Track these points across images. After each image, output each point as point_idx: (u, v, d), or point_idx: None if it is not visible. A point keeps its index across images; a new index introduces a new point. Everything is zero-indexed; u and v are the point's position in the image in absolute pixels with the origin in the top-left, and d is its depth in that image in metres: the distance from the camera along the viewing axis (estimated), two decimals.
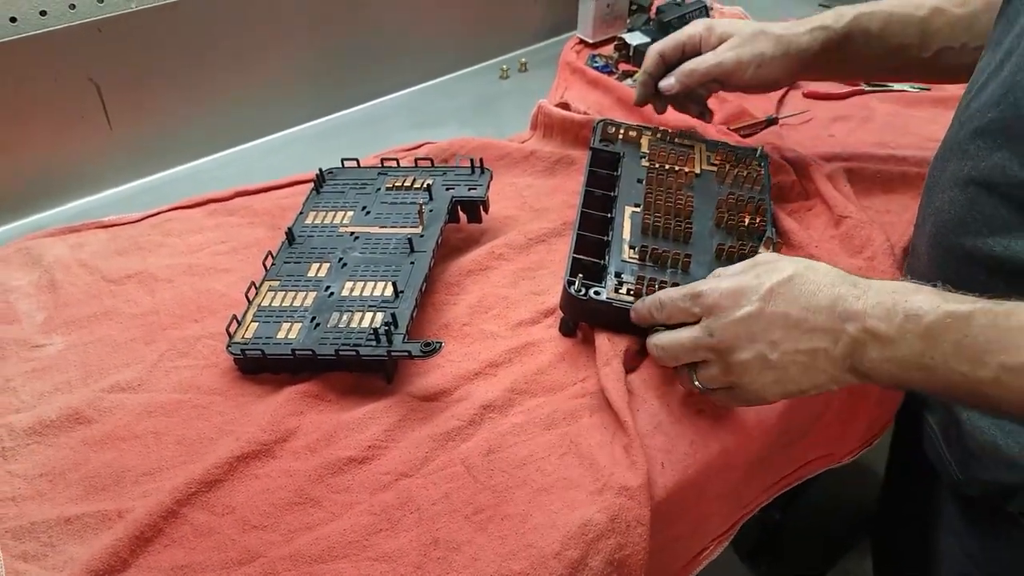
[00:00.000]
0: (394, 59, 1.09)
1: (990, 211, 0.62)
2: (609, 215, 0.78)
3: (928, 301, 0.52)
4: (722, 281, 0.60)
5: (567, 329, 0.73)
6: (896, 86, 1.11)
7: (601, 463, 0.61)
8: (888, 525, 0.87)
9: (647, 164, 0.84)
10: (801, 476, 0.72)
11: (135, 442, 0.64)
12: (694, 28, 0.83)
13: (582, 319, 0.72)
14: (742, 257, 0.72)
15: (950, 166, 0.67)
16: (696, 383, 0.61)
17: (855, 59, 0.82)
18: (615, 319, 0.68)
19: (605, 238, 0.75)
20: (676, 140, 0.87)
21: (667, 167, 0.84)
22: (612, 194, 0.81)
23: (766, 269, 0.59)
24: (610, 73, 1.14)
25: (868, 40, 0.80)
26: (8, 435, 0.64)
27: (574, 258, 0.72)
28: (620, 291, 0.69)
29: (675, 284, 0.66)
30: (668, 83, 0.84)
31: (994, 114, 0.62)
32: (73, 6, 0.83)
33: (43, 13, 0.82)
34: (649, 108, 0.92)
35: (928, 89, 1.11)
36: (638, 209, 0.78)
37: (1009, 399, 0.50)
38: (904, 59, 0.81)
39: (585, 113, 0.99)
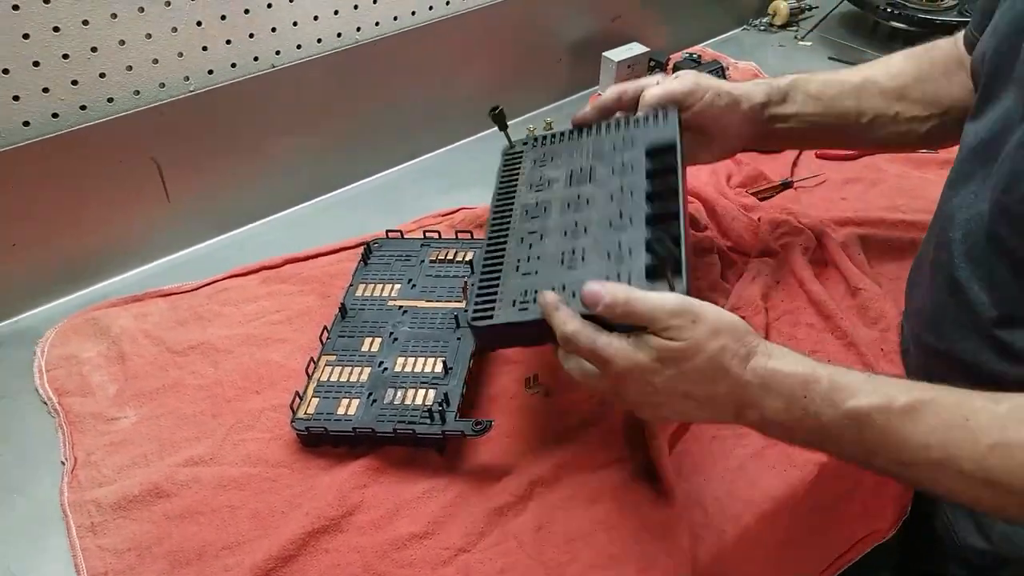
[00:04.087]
0: (425, 122, 1.15)
1: (963, 319, 0.68)
2: None
3: (827, 400, 0.55)
4: (629, 355, 0.57)
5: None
6: None
7: (646, 540, 0.66)
8: None
9: None
10: (852, 557, 0.77)
11: (212, 516, 0.70)
12: (653, 76, 0.83)
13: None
14: None
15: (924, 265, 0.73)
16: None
17: (797, 119, 0.83)
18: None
19: None
20: None
21: None
22: None
23: (671, 355, 0.57)
24: None
25: (806, 100, 0.83)
26: (96, 510, 0.70)
27: None
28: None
29: None
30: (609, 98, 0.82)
31: (957, 235, 0.69)
32: (138, 92, 0.89)
33: (110, 100, 0.88)
34: None
35: (935, 151, 1.16)
36: None
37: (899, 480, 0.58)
38: (843, 125, 0.84)
39: None
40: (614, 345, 0.58)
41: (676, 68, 1.28)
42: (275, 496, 0.71)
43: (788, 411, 0.56)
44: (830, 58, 1.41)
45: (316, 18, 0.99)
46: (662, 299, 0.57)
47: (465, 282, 0.85)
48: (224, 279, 0.94)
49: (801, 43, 1.47)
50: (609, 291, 0.58)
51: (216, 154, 0.96)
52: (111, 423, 0.78)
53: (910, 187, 1.10)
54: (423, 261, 0.90)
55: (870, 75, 0.84)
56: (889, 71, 0.84)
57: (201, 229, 1.00)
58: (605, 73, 1.25)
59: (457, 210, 1.03)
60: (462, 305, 0.84)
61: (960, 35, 0.83)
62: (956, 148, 1.13)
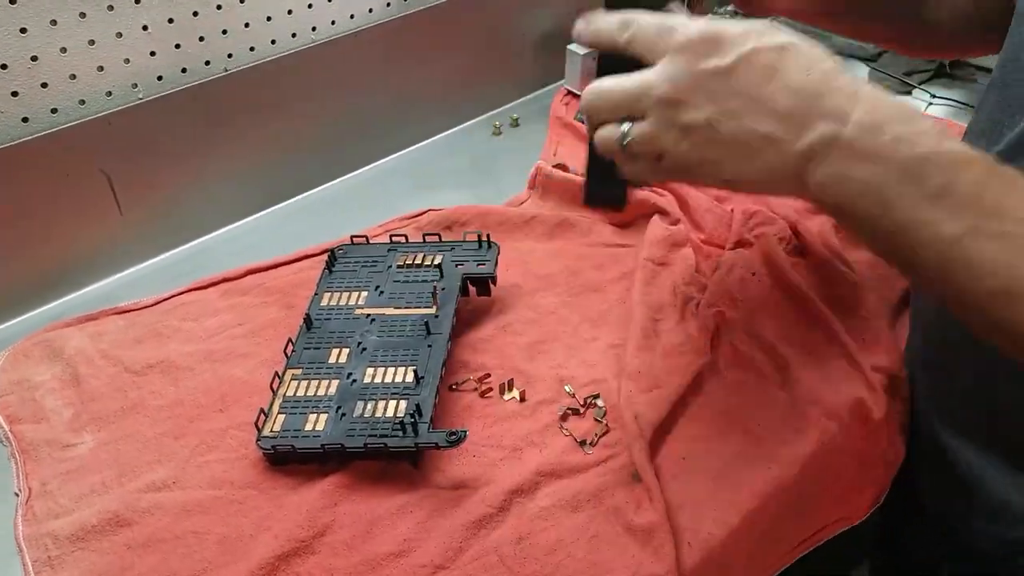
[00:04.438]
0: (388, 122, 1.11)
1: None
2: None
3: (927, 135, 0.44)
4: (703, 22, 0.48)
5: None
6: None
7: (629, 548, 0.64)
8: None
9: None
10: (820, 539, 0.75)
11: (177, 543, 0.66)
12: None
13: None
14: None
15: None
16: (623, 131, 0.50)
17: None
18: None
19: None
20: None
21: None
22: None
23: (759, 31, 0.47)
24: None
25: None
26: (53, 543, 0.66)
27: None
28: None
29: None
30: None
31: None
32: (83, 101, 0.85)
33: (54, 111, 0.84)
34: None
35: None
36: None
37: (956, 269, 0.44)
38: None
39: (583, 174, 1.02)
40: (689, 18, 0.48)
41: None
42: (242, 519, 0.68)
43: (874, 131, 0.44)
44: None
45: (269, 19, 0.96)
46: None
47: (435, 287, 0.83)
48: (182, 293, 0.90)
49: None
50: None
51: (170, 164, 0.93)
52: (67, 450, 0.74)
53: None
54: (390, 267, 0.87)
55: None
56: None
57: (157, 242, 0.96)
58: (571, 66, 1.22)
59: (424, 212, 1.00)
60: (432, 311, 0.81)
61: None
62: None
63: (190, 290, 0.90)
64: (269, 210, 1.05)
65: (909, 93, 1.26)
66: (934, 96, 1.25)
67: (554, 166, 1.04)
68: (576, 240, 0.97)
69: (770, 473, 0.70)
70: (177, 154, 0.93)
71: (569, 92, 1.25)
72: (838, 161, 0.45)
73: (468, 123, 1.21)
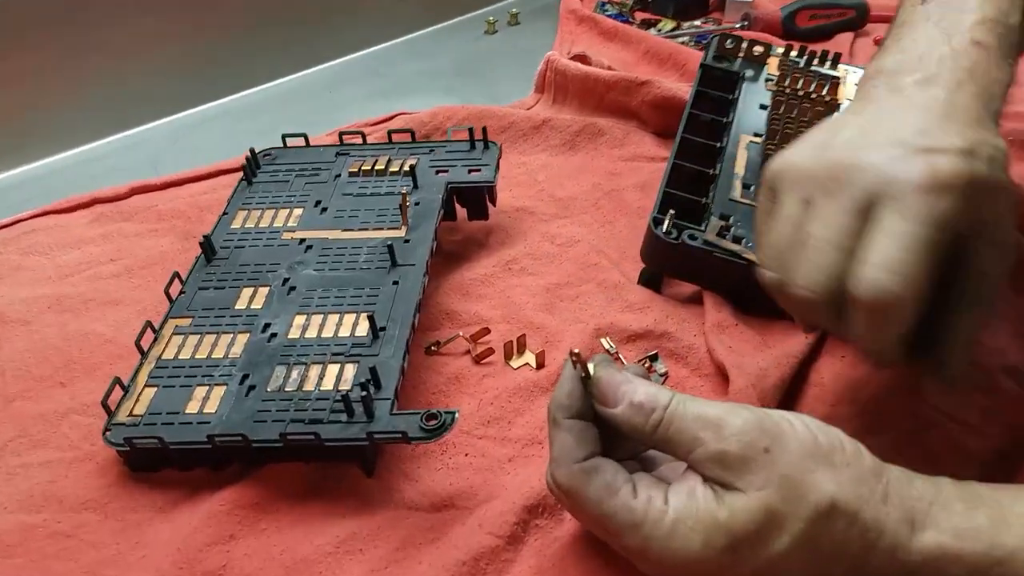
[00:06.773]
0: (352, 10, 0.88)
1: None
2: (719, 144, 0.62)
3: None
4: (671, 548, 0.35)
5: (649, 283, 0.57)
6: None
7: None
8: None
9: (775, 88, 0.66)
10: None
11: None
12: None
13: (670, 272, 0.58)
14: None
15: None
16: None
17: None
18: (715, 273, 0.54)
19: (711, 171, 0.60)
20: (816, 64, 0.67)
21: (801, 92, 0.64)
22: (725, 120, 0.64)
23: (744, 536, 0.34)
24: (626, 23, 0.90)
25: None
26: None
27: (666, 192, 0.56)
28: (725, 237, 0.54)
29: None
30: None
31: None
32: None
33: None
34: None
35: None
36: (759, 139, 0.62)
37: None
38: None
39: (611, 68, 0.75)
40: (644, 532, 0.35)
41: None
42: (71, 564, 0.41)
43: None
44: None
45: None
46: (726, 410, 0.36)
47: (404, 197, 0.55)
48: (33, 218, 0.64)
49: None
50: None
51: (26, 42, 0.68)
52: None
53: None
54: (339, 176, 0.59)
55: None
56: None
57: (12, 150, 0.72)
58: None
59: (393, 116, 0.75)
60: (400, 233, 0.53)
61: None
62: None
63: (46, 213, 0.64)
64: (181, 114, 0.80)
65: None
66: None
67: (572, 57, 0.77)
68: (607, 152, 0.71)
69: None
70: (46, 29, 0.68)
71: None
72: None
73: (455, 19, 0.99)
